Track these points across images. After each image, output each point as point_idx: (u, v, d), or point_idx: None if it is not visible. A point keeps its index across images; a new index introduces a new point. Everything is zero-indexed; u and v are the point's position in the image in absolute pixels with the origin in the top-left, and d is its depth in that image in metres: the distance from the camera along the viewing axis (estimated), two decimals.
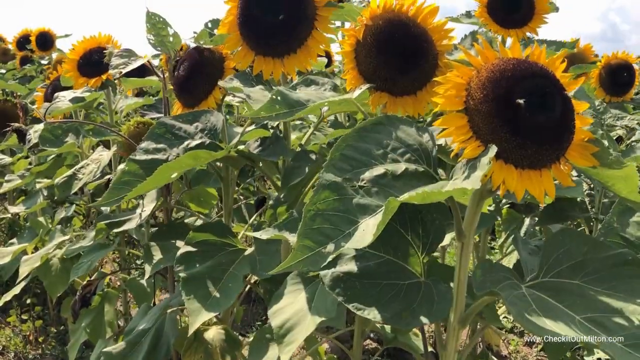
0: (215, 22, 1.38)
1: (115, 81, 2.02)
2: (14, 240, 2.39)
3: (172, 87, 1.50)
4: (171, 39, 1.72)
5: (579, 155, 0.89)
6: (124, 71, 1.49)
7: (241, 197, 2.12)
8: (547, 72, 0.87)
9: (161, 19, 1.72)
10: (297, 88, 1.05)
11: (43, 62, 5.70)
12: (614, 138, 2.43)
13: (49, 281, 2.16)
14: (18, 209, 2.36)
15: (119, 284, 2.10)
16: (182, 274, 1.06)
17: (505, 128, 0.83)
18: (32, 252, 2.39)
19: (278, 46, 1.21)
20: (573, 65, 2.87)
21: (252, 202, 1.92)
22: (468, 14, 2.04)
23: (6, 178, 2.32)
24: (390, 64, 1.00)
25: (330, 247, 0.76)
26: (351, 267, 0.87)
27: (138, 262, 2.22)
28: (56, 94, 1.74)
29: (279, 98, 0.94)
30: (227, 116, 1.88)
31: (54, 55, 5.72)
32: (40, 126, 1.58)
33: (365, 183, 0.84)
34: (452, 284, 0.95)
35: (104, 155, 1.61)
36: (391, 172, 0.86)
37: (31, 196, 2.50)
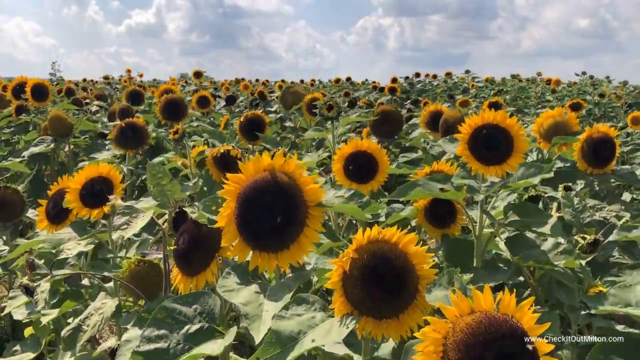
0: (213, 199, 1.47)
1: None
2: (18, 347, 2.47)
3: (171, 248, 1.59)
4: (170, 187, 1.82)
5: None
6: (125, 235, 1.58)
7: None
8: (515, 330, 0.96)
9: (161, 169, 1.82)
10: (290, 308, 1.15)
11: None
12: (592, 238, 2.48)
13: None
14: (21, 314, 2.44)
15: None
16: None
17: None
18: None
19: (273, 244, 1.30)
20: (556, 135, 2.98)
21: None
22: (452, 139, 2.14)
23: (10, 295, 2.40)
24: (375, 296, 1.10)
25: None
26: None
27: None
28: (62, 247, 1.83)
29: (272, 339, 1.04)
30: None
31: (49, 108, 5.82)
32: (47, 286, 1.67)
33: None
34: None
35: (107, 305, 1.70)
36: None
37: None
